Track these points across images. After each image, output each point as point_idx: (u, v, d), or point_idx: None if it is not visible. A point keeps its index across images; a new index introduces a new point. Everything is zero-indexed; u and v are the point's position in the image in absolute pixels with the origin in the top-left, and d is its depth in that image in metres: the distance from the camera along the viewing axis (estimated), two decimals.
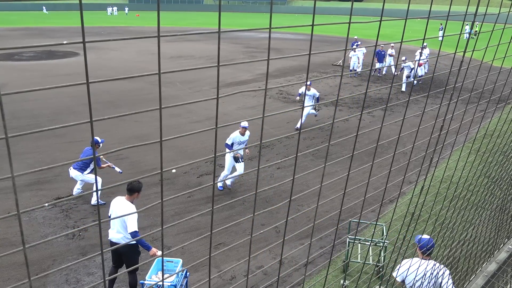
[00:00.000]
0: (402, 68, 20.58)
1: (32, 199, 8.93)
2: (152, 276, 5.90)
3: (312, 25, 1.32)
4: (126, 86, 19.29)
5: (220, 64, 1.17)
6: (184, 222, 8.03)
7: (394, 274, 4.37)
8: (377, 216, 3.01)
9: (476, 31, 23.84)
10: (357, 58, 23.18)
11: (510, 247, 3.48)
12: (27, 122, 13.85)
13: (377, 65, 21.89)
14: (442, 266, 4.06)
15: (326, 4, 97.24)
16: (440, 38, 31.94)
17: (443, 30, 21.06)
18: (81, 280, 6.65)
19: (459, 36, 2.01)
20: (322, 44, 35.84)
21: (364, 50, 23.39)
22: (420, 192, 2.59)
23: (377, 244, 6.61)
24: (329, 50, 1.34)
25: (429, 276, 3.89)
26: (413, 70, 20.06)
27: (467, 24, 39.37)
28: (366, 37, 38.32)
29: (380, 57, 22.06)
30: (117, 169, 9.02)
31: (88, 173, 8.80)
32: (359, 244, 7.35)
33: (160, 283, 5.38)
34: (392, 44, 22.51)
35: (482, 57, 2.22)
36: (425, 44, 20.50)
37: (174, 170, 11.30)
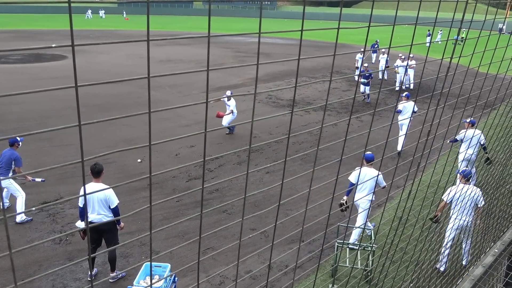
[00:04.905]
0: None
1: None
2: (140, 281, 5.86)
3: (302, 30, 1.33)
4: (115, 89, 19.18)
5: (209, 68, 1.17)
6: (173, 226, 7.99)
7: (443, 197, 6.30)
8: (365, 221, 3.03)
9: (462, 37, 24.19)
10: (384, 61, 22.52)
11: (496, 251, 3.51)
12: (14, 126, 13.70)
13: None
14: (478, 189, 6.35)
15: (315, 10, 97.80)
16: (428, 44, 32.25)
17: (431, 36, 21.19)
18: (68, 285, 6.58)
19: (446, 42, 2.04)
20: (311, 49, 36.02)
21: (361, 56, 23.00)
22: (407, 196, 2.61)
23: (366, 249, 6.64)
24: (318, 55, 1.35)
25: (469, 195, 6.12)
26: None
27: (440, 30, 40.06)
28: (355, 42, 38.60)
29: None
30: (38, 179, 8.59)
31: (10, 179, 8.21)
32: (348, 249, 7.38)
33: None
34: (411, 55, 21.62)
35: (469, 63, 2.25)
36: (411, 55, 20.55)
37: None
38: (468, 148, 9.07)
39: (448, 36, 2.37)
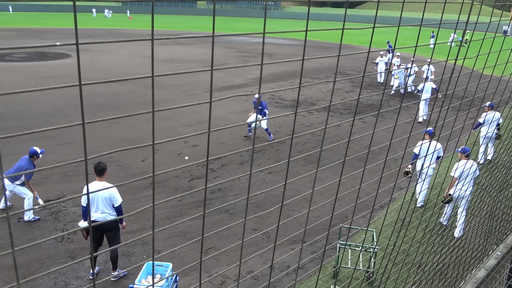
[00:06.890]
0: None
1: (21, 201, 8.83)
2: (141, 280, 5.86)
3: (306, 31, 1.33)
4: (118, 88, 19.21)
5: (213, 68, 1.17)
6: (175, 226, 7.99)
7: (452, 174, 7.76)
8: (368, 222, 3.02)
9: (467, 39, 24.10)
10: (384, 64, 21.89)
11: (499, 253, 3.50)
12: (16, 124, 13.73)
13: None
14: (475, 162, 7.48)
15: (320, 10, 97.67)
16: (432, 46, 32.21)
17: (435, 37, 21.06)
18: (69, 283, 6.59)
19: (451, 44, 2.04)
20: (315, 49, 35.99)
21: (385, 59, 22.17)
22: (410, 198, 2.60)
23: (368, 250, 6.62)
24: (322, 56, 1.34)
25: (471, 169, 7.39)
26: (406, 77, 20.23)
27: (453, 33, 39.93)
28: (359, 43, 38.56)
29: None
30: (40, 201, 8.51)
31: (19, 185, 8.21)
32: (350, 250, 7.36)
33: (150, 287, 5.35)
34: (428, 60, 20.88)
35: (473, 65, 2.24)
36: (428, 60, 20.56)
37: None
38: (489, 128, 10.56)
39: (453, 37, 2.36)
